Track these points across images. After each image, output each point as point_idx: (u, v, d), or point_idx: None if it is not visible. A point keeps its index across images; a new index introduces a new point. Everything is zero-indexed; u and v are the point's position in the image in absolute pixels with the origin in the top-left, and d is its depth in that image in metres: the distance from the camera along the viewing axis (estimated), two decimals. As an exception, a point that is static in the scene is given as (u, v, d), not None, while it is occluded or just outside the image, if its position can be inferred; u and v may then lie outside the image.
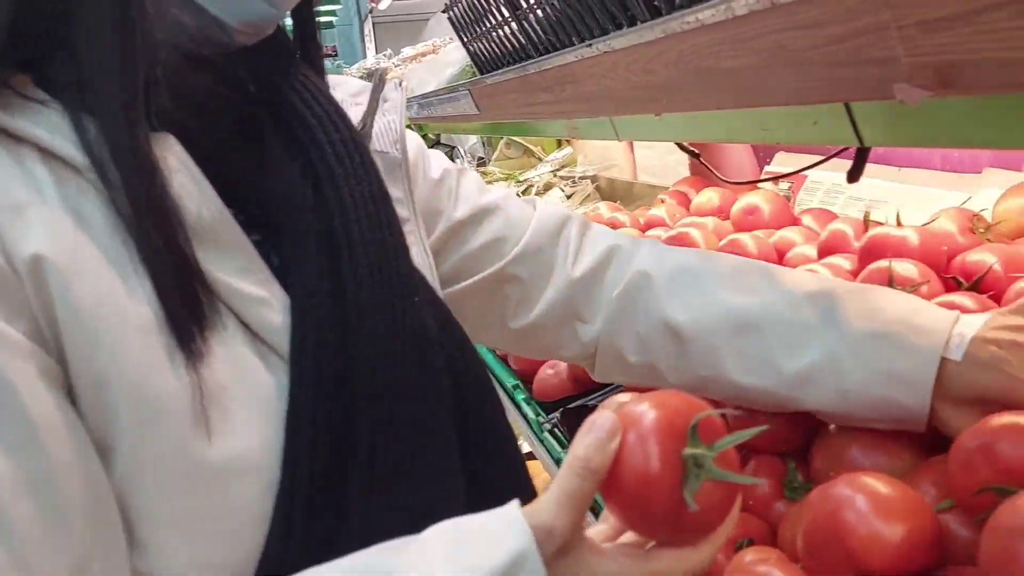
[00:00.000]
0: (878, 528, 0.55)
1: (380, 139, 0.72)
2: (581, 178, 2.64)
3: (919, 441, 0.68)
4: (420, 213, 0.76)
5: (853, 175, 0.70)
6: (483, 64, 1.62)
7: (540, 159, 3.11)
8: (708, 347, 0.71)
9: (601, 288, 0.81)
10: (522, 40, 1.33)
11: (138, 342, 0.48)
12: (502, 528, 0.45)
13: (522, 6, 1.22)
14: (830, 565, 0.57)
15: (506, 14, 1.32)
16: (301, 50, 0.69)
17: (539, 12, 1.18)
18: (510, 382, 1.28)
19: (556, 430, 1.05)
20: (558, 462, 1.03)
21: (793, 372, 0.66)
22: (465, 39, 1.62)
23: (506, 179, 2.88)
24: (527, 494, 0.63)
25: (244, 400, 0.51)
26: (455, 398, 0.61)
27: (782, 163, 1.55)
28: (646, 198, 2.20)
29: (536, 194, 2.64)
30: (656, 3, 0.84)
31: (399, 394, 0.56)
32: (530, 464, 1.85)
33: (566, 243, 0.85)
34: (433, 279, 0.71)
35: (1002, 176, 1.09)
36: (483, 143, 3.66)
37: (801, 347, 0.67)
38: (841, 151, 0.85)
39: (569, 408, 1.07)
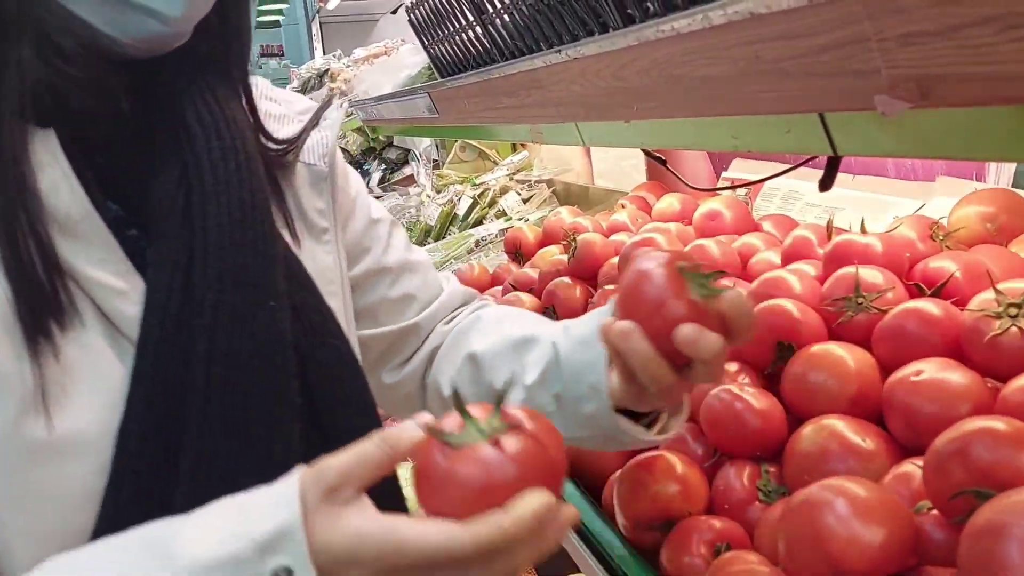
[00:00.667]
0: (858, 530, 0.56)
1: (310, 152, 0.77)
2: (537, 182, 2.65)
3: (891, 446, 0.69)
4: (344, 233, 0.82)
5: (825, 184, 0.71)
6: (444, 67, 1.61)
7: (495, 162, 3.11)
8: (495, 364, 0.79)
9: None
10: (486, 44, 1.33)
11: None
12: (274, 502, 0.47)
13: (488, 10, 1.22)
14: (810, 567, 0.58)
15: (471, 18, 1.32)
16: (224, 61, 0.70)
17: (506, 17, 1.17)
18: (475, 387, 1.28)
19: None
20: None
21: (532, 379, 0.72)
22: (426, 42, 1.61)
23: (461, 182, 2.87)
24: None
25: (90, 384, 0.55)
26: (310, 401, 0.64)
27: (739, 169, 1.58)
28: (603, 202, 2.22)
29: (493, 198, 2.64)
30: (630, 11, 0.85)
31: (235, 394, 0.59)
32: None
33: (456, 317, 0.91)
34: (337, 285, 0.75)
35: (955, 184, 1.12)
36: (437, 146, 3.64)
37: (537, 361, 0.74)
38: (809, 160, 0.87)
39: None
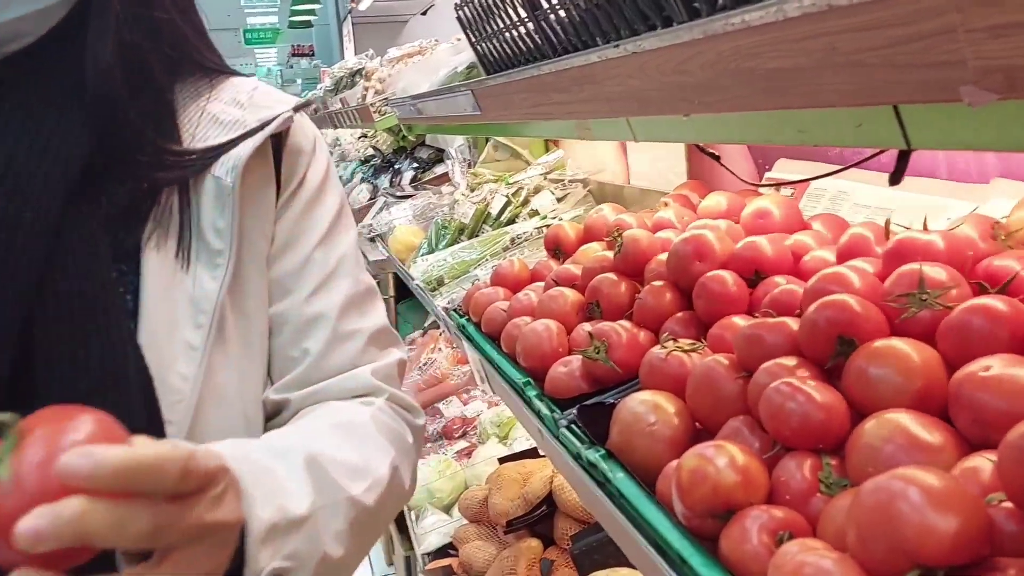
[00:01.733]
0: (933, 519, 0.56)
1: (222, 165, 0.74)
2: (571, 181, 2.66)
3: (957, 441, 0.69)
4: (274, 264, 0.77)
5: (895, 178, 0.72)
6: (490, 64, 1.62)
7: (528, 162, 3.12)
8: None
9: None
10: (538, 41, 1.34)
11: None
12: None
13: (542, 6, 1.23)
14: (883, 555, 0.58)
15: (522, 14, 1.33)
16: (75, 71, 0.69)
17: (561, 13, 1.18)
18: (520, 379, 1.29)
19: (574, 426, 1.05)
20: (576, 457, 1.03)
21: None
22: (473, 39, 1.63)
23: (495, 181, 2.88)
24: None
25: None
26: None
27: (783, 170, 1.57)
28: (638, 203, 2.22)
29: (526, 197, 2.65)
30: (696, 4, 0.86)
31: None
32: (533, 461, 1.85)
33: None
34: (207, 316, 0.70)
35: (1010, 186, 1.12)
36: (470, 145, 3.66)
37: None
38: (866, 159, 0.87)
39: (586, 405, 1.08)
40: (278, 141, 0.79)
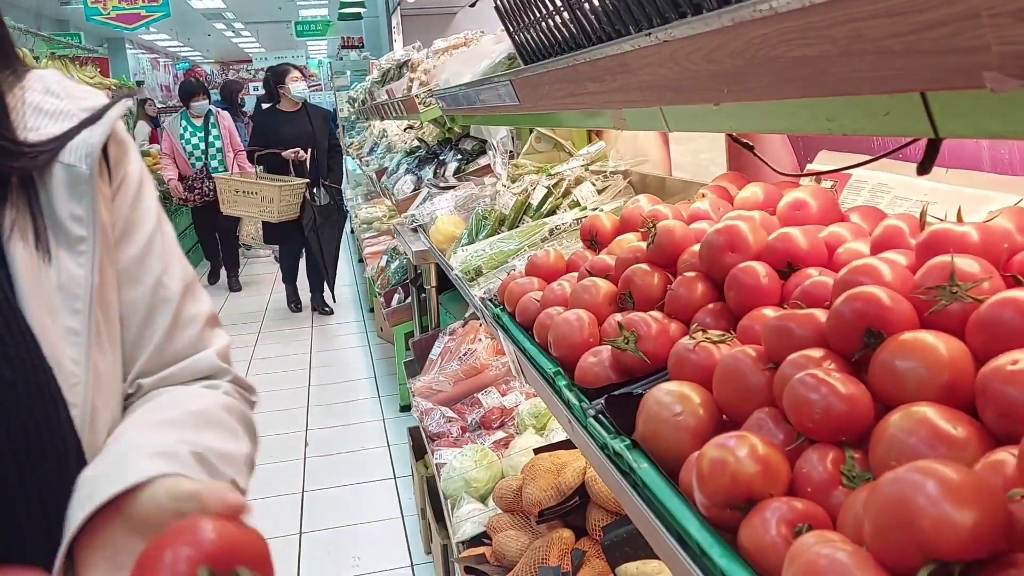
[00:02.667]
0: (949, 512, 0.55)
1: (72, 152, 0.73)
2: (613, 173, 2.65)
3: (983, 435, 0.68)
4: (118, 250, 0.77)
5: (924, 167, 0.70)
6: (528, 54, 1.62)
7: (570, 153, 3.11)
8: None
9: None
10: (573, 30, 1.34)
11: None
12: None
13: (576, -5, 1.23)
14: (898, 547, 0.58)
15: (558, 3, 1.33)
16: None
17: (595, 1, 1.18)
18: (551, 368, 1.29)
19: (601, 416, 1.06)
20: (603, 447, 1.03)
21: None
22: (511, 28, 1.63)
23: (536, 172, 2.88)
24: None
25: None
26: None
27: (825, 161, 1.55)
28: (680, 194, 2.20)
29: (567, 188, 2.65)
30: (724, -8, 0.85)
31: None
32: (567, 452, 1.85)
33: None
34: (83, 302, 0.71)
35: (1056, 178, 1.08)
36: (513, 137, 3.66)
37: None
38: (904, 145, 0.85)
39: (613, 395, 1.08)
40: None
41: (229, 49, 23.13)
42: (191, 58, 22.64)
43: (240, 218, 6.46)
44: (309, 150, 5.96)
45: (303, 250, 6.34)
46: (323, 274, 6.37)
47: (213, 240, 7.61)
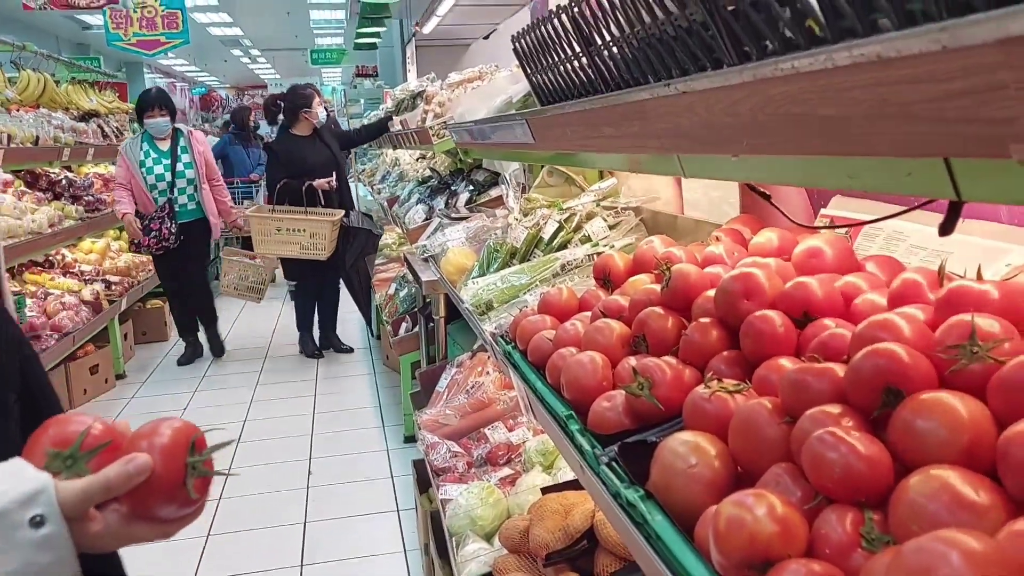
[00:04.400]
0: (974, 586, 0.54)
1: None
2: (624, 209, 2.65)
3: (1005, 501, 0.67)
4: None
5: (945, 229, 0.70)
6: (545, 95, 1.64)
7: (582, 188, 3.13)
8: None
9: None
10: (591, 75, 1.35)
11: None
12: (27, 472, 0.67)
13: (596, 42, 1.24)
14: (921, 621, 0.57)
15: (577, 49, 1.34)
16: None
17: (614, 49, 1.19)
18: (563, 411, 1.29)
19: (615, 464, 1.05)
20: (616, 496, 1.02)
21: None
22: (529, 70, 1.65)
23: (548, 206, 2.89)
24: None
25: None
26: None
27: (839, 207, 1.55)
28: (692, 233, 2.21)
29: (579, 223, 2.66)
30: (746, 48, 0.86)
31: None
32: (576, 492, 1.83)
33: None
34: None
35: (1075, 234, 1.08)
36: (525, 170, 3.68)
37: None
38: (923, 204, 0.85)
39: (627, 443, 1.07)
40: None
41: (245, 75, 23.42)
42: (207, 83, 22.90)
43: (233, 263, 5.82)
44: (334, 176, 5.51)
45: (323, 286, 5.80)
46: (361, 311, 6.11)
47: (183, 298, 5.83)
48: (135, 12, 8.54)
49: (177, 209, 5.48)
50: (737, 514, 0.76)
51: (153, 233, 5.36)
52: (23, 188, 5.14)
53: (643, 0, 1.01)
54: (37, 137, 4.86)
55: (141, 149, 5.43)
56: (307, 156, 5.42)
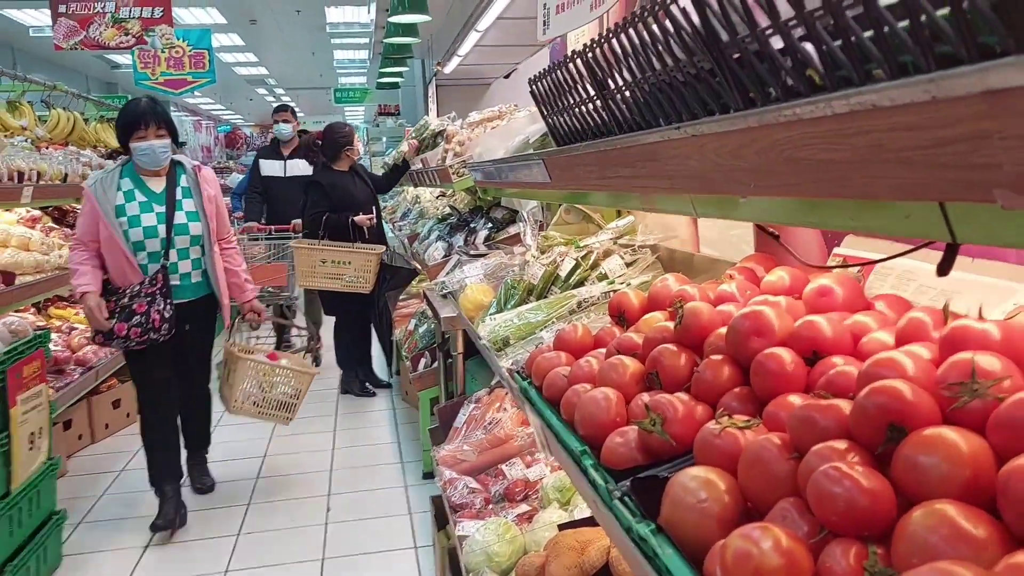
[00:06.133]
0: (970, 617, 0.56)
1: None
2: (641, 247, 2.69)
3: (1003, 536, 0.69)
4: None
5: (943, 269, 0.73)
6: (561, 136, 1.68)
7: (600, 226, 3.17)
8: None
9: None
10: (605, 117, 1.39)
11: None
12: None
13: (610, 87, 1.29)
14: (920, 651, 0.58)
15: (592, 93, 1.39)
16: None
17: (627, 93, 1.24)
18: (577, 447, 1.31)
19: (627, 499, 1.07)
20: (628, 531, 1.04)
21: None
22: (545, 112, 1.69)
23: (565, 244, 2.93)
24: None
25: None
26: None
27: (852, 246, 1.57)
28: (708, 271, 2.23)
29: (595, 261, 2.69)
30: (751, 95, 0.89)
31: None
32: (592, 529, 1.84)
33: None
34: None
35: (1081, 273, 1.10)
36: (543, 208, 3.74)
37: None
38: (930, 242, 0.88)
39: (639, 478, 1.09)
40: None
41: (269, 113, 23.88)
42: (232, 120, 23.35)
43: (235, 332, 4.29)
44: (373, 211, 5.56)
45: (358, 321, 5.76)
46: (383, 346, 6.12)
47: (167, 414, 3.71)
48: (163, 52, 8.78)
49: (175, 283, 3.53)
50: (743, 547, 0.77)
51: (136, 319, 3.36)
52: (51, 224, 5.26)
53: (654, 47, 1.05)
54: (65, 174, 5.00)
55: (119, 190, 3.44)
56: (352, 191, 5.48)
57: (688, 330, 1.32)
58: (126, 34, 7.87)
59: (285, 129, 6.57)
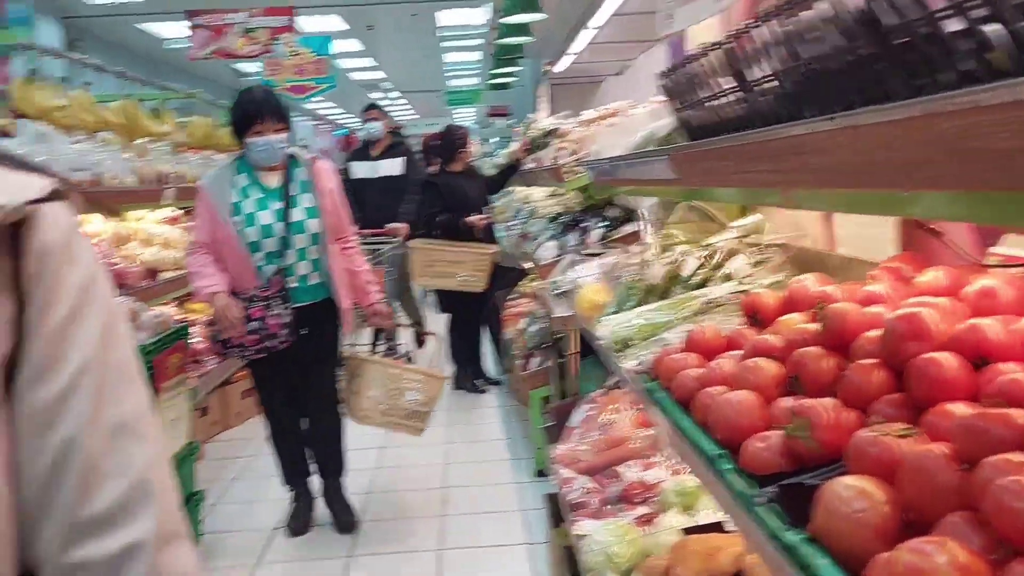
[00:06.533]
0: None
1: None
2: (769, 246, 2.59)
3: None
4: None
5: None
6: (692, 131, 1.64)
7: (722, 224, 3.08)
8: None
9: None
10: (743, 110, 1.34)
11: None
12: None
13: (751, 78, 1.24)
14: None
15: (730, 84, 1.34)
16: None
17: (770, 84, 1.19)
18: (713, 450, 1.27)
19: (773, 505, 1.02)
20: (773, 538, 1.00)
21: None
22: (676, 106, 1.66)
23: (688, 243, 2.86)
24: None
25: None
26: None
27: (1011, 245, 1.46)
28: (842, 272, 2.13)
29: (720, 260, 2.61)
30: (918, 83, 0.84)
31: None
32: (720, 536, 1.79)
33: None
34: None
35: None
36: (660, 206, 3.67)
37: None
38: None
39: (785, 484, 1.04)
40: (16, 237, 0.64)
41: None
42: (348, 124, 24.15)
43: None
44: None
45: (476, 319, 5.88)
46: (493, 344, 6.19)
47: (294, 428, 3.61)
48: (288, 60, 9.15)
49: (292, 285, 3.28)
50: (915, 562, 0.73)
51: (254, 325, 3.19)
52: (188, 223, 5.56)
53: (805, 35, 1.00)
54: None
55: (234, 187, 3.27)
56: (465, 191, 5.58)
57: (833, 332, 1.26)
58: (254, 43, 8.26)
59: (376, 127, 6.16)
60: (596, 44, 6.74)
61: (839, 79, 0.97)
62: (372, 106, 6.37)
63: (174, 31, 10.73)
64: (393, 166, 6.05)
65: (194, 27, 8.35)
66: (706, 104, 1.44)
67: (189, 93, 6.53)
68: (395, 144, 6.19)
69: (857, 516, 0.89)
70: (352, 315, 3.52)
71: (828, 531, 0.92)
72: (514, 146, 6.13)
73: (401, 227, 5.73)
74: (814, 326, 1.32)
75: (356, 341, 5.57)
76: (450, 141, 5.69)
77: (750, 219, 2.71)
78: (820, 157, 1.09)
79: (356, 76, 16.73)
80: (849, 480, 0.93)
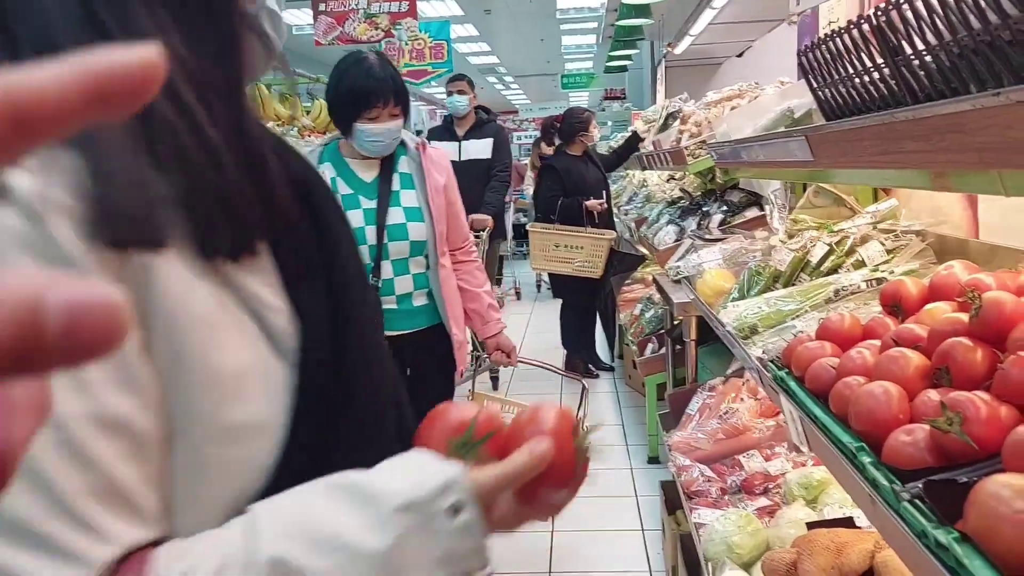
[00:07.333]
0: None
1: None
2: (904, 232, 2.46)
3: None
4: None
5: None
6: (832, 110, 1.57)
7: (854, 209, 2.94)
8: None
9: None
10: (892, 86, 1.27)
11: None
12: (434, 463, 0.65)
13: (904, 52, 1.18)
14: None
15: (877, 60, 1.27)
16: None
17: (927, 58, 1.12)
18: (852, 443, 1.21)
19: (919, 501, 0.97)
20: (919, 535, 0.95)
21: None
22: (815, 84, 1.59)
23: (817, 228, 2.76)
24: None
25: (263, 381, 0.67)
26: None
27: None
28: (987, 260, 2.00)
29: (851, 247, 2.50)
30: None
31: (370, 395, 0.77)
32: (848, 531, 1.73)
33: None
34: None
35: None
36: (786, 190, 3.54)
37: None
38: None
39: (933, 480, 0.99)
40: None
41: (498, 101, 24.68)
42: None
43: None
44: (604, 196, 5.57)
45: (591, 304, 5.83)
46: (605, 330, 6.16)
47: None
48: (406, 45, 9.33)
49: (390, 307, 2.50)
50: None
51: None
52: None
53: (973, 4, 0.94)
54: (326, 160, 5.46)
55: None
56: (584, 175, 5.53)
57: (987, 323, 1.18)
58: (376, 28, 8.46)
59: (461, 102, 5.26)
60: (716, 24, 6.55)
61: (1008, 49, 0.91)
62: (459, 76, 5.52)
63: (300, 19, 11.13)
64: (481, 148, 5.27)
65: (318, 14, 8.63)
66: (852, 81, 1.38)
67: (315, 78, 6.76)
68: (482, 123, 5.39)
69: (1018, 517, 0.83)
70: (466, 351, 2.70)
71: (983, 531, 0.86)
72: (637, 125, 6.01)
73: (486, 219, 5.13)
74: (963, 316, 1.25)
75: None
76: (571, 124, 5.60)
77: (885, 204, 2.58)
78: (982, 135, 1.02)
79: (475, 61, 16.91)
80: (1007, 478, 0.88)
